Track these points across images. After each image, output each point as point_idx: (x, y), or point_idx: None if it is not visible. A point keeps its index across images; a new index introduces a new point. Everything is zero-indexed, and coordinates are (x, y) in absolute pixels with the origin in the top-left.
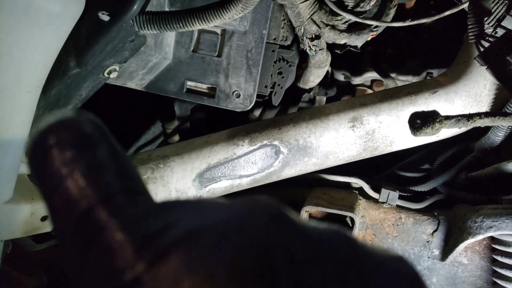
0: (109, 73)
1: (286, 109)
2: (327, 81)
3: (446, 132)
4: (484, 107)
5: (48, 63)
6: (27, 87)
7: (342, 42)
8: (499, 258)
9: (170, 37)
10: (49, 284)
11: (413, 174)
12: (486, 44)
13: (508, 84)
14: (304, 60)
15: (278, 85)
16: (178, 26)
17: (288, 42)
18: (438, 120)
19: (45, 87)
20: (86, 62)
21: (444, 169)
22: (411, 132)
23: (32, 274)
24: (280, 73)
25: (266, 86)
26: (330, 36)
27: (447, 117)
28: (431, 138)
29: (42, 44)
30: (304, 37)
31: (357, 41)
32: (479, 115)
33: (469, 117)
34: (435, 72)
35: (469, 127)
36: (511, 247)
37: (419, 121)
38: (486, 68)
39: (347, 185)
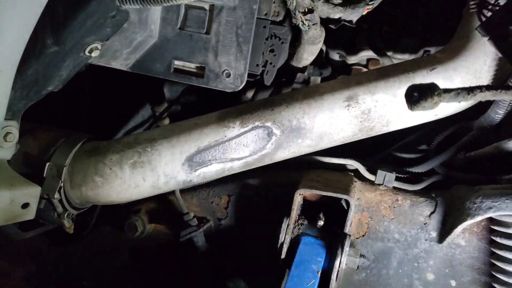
0: (90, 52)
1: (280, 90)
2: (322, 61)
3: (444, 110)
4: (484, 84)
5: (21, 39)
6: None
7: (337, 16)
8: (498, 240)
9: (155, 13)
10: (37, 272)
11: (410, 155)
12: (488, 14)
13: (510, 55)
14: (297, 37)
15: (270, 63)
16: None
17: (280, 18)
18: (436, 93)
19: (20, 66)
20: (65, 40)
21: (442, 149)
22: (408, 106)
23: (20, 263)
24: (272, 50)
25: (257, 65)
26: (324, 10)
27: (446, 90)
28: (428, 116)
29: (13, 17)
30: (297, 11)
31: (352, 15)
32: (480, 88)
33: (470, 90)
34: (433, 50)
35: (469, 101)
36: (511, 228)
37: (416, 94)
38: (488, 39)
39: (342, 167)
